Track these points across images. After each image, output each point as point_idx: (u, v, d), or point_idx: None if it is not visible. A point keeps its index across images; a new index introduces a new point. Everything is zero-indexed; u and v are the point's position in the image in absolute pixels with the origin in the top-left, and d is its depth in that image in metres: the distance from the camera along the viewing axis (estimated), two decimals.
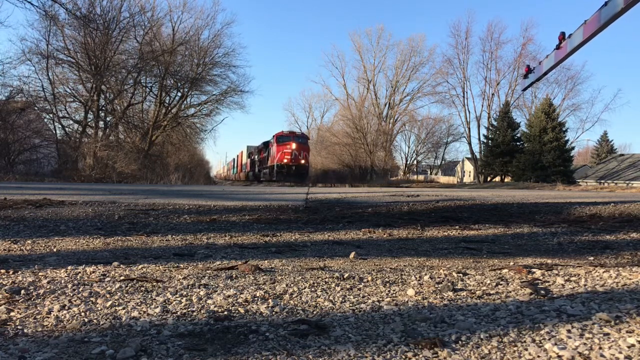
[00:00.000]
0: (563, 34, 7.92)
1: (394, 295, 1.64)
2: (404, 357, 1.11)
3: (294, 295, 1.63)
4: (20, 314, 1.43)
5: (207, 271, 2.06)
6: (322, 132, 51.11)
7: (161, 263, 2.29)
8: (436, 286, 1.73)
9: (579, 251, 2.80)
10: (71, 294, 1.63)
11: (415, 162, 52.47)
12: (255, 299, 1.58)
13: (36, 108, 24.23)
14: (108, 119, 28.52)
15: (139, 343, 1.17)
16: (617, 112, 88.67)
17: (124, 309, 1.47)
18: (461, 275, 1.93)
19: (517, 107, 43.44)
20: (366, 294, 1.65)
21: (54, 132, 25.44)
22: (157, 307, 1.48)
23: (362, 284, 1.80)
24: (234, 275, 1.96)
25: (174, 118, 31.55)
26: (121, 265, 2.17)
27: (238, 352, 1.15)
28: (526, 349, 1.13)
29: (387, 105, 44.52)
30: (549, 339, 1.18)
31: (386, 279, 1.86)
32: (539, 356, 1.10)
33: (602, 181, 36.25)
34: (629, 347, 1.13)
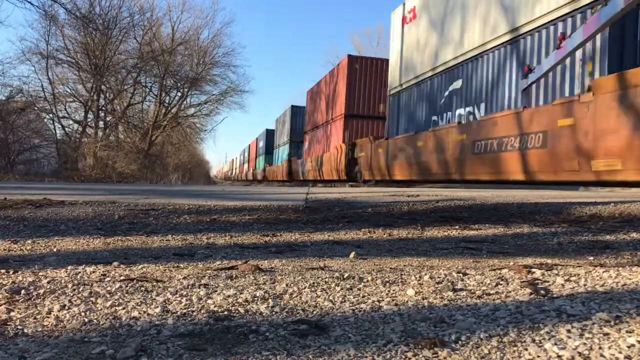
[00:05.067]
0: (563, 34, 7.93)
1: (393, 295, 1.64)
2: (403, 357, 1.11)
3: (294, 295, 1.63)
4: (20, 314, 1.43)
5: (207, 271, 2.06)
6: None
7: (161, 263, 2.29)
8: (436, 286, 1.73)
9: (579, 251, 2.80)
10: (71, 294, 1.63)
11: None
12: (255, 298, 1.58)
13: (36, 108, 24.26)
14: (108, 119, 28.57)
15: (139, 343, 1.17)
16: None
17: (124, 309, 1.47)
18: (461, 275, 1.93)
19: None
20: (366, 294, 1.65)
21: (53, 132, 25.48)
22: (157, 307, 1.48)
23: (362, 283, 1.80)
24: (234, 275, 1.96)
25: (173, 118, 31.58)
26: (121, 265, 2.17)
27: (238, 352, 1.15)
28: (526, 349, 1.13)
29: None
30: (549, 339, 1.19)
31: (386, 279, 1.86)
32: (538, 356, 1.10)
33: None
34: (628, 347, 1.13)
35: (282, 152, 28.30)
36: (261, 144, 36.19)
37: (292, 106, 27.36)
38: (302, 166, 22.86)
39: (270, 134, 34.04)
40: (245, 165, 40.03)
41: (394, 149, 12.78)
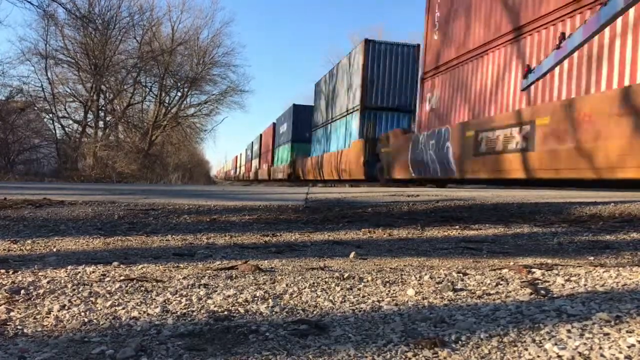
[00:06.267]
0: (563, 34, 7.93)
1: (393, 295, 1.64)
2: (403, 357, 1.11)
3: (294, 295, 1.63)
4: (20, 314, 1.42)
5: (207, 271, 2.06)
6: None
7: (161, 263, 2.29)
8: (436, 286, 1.73)
9: (579, 251, 2.80)
10: (71, 294, 1.63)
11: None
12: (255, 298, 1.58)
13: (36, 108, 24.28)
14: (108, 118, 28.57)
15: (138, 343, 1.17)
16: None
17: (123, 308, 1.47)
18: (461, 275, 1.93)
19: None
20: (366, 294, 1.65)
21: (53, 132, 25.49)
22: (157, 307, 1.48)
23: (362, 283, 1.80)
24: (234, 275, 1.96)
25: (173, 118, 31.58)
26: (121, 265, 2.17)
27: (238, 352, 1.14)
28: (526, 349, 1.13)
29: None
30: (549, 339, 1.18)
31: (386, 279, 1.86)
32: (539, 356, 1.10)
33: None
34: (629, 347, 1.13)
35: (337, 131, 16.61)
36: (283, 129, 25.15)
37: (366, 40, 14.92)
38: (418, 148, 10.99)
39: (302, 112, 22.75)
40: (255, 162, 29.89)
41: None
